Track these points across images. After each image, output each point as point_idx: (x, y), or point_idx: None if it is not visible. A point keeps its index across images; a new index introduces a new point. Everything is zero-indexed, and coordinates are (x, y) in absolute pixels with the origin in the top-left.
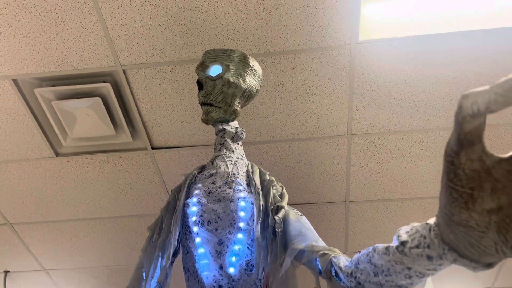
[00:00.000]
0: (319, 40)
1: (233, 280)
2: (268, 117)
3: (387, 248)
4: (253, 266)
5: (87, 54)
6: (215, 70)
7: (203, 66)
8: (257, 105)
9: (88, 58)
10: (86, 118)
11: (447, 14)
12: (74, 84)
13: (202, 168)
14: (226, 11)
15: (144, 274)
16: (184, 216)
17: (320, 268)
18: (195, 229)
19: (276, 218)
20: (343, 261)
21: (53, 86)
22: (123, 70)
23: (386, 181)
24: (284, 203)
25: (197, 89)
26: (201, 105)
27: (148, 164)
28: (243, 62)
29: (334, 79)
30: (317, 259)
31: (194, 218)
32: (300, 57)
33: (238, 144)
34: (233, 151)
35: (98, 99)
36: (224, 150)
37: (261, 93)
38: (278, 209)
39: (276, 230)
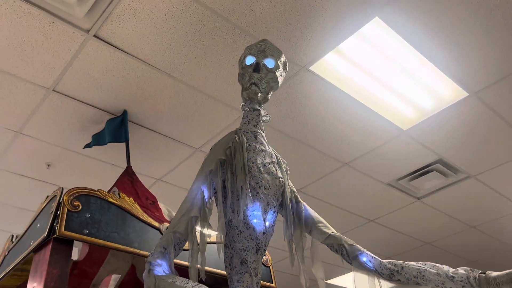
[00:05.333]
0: (285, 48)
1: (266, 230)
2: None
3: (438, 274)
4: (275, 224)
5: None
6: (271, 62)
7: (264, 54)
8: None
9: None
10: None
11: (364, 88)
12: None
13: (243, 135)
14: None
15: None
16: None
17: (348, 252)
18: (256, 188)
19: (300, 201)
20: (374, 256)
21: None
22: None
23: None
24: (295, 189)
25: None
26: (250, 83)
27: (73, 44)
28: (285, 66)
29: None
30: (345, 246)
31: (256, 181)
32: None
33: None
34: (263, 132)
35: None
36: (260, 129)
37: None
38: (294, 193)
39: (301, 210)
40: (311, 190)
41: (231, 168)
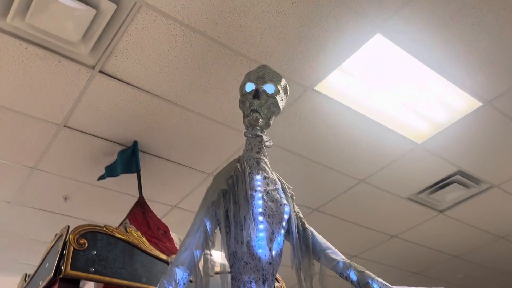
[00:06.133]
0: (289, 70)
1: (273, 260)
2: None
3: None
4: (282, 253)
5: None
6: (270, 88)
7: (264, 79)
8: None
9: None
10: (59, 15)
11: (373, 105)
12: None
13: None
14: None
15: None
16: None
17: (356, 279)
18: (260, 218)
19: (307, 227)
20: (385, 283)
21: None
22: (140, 5)
23: None
24: (301, 215)
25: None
26: (251, 110)
27: (80, 81)
28: (285, 91)
29: None
30: (353, 272)
31: (260, 210)
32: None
33: None
34: (267, 158)
35: (93, 11)
36: (262, 156)
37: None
38: (301, 219)
39: (308, 237)
40: (329, 208)
41: (233, 197)
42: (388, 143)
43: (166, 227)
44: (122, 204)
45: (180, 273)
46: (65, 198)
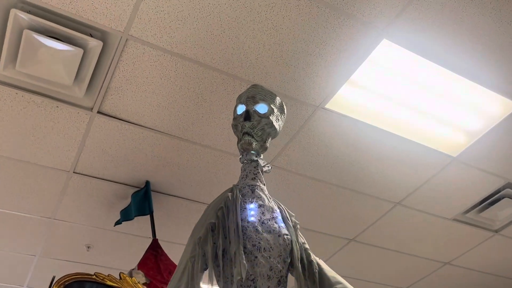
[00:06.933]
0: (293, 90)
1: None
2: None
3: None
4: None
5: (103, 6)
6: (263, 108)
7: (254, 100)
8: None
9: (101, 11)
10: (48, 60)
11: (397, 119)
12: (62, 24)
13: (238, 191)
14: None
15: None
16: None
17: None
18: (254, 251)
19: (313, 259)
20: None
21: (30, 12)
22: (126, 39)
23: None
24: (307, 245)
25: (232, 110)
26: (243, 134)
27: (81, 124)
28: (281, 109)
29: (288, 122)
30: None
31: (254, 243)
32: None
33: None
34: (264, 184)
35: (80, 51)
36: (259, 182)
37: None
38: (306, 250)
39: (315, 271)
40: (367, 237)
41: (223, 231)
42: (419, 159)
43: None
44: (145, 248)
45: None
46: (88, 247)
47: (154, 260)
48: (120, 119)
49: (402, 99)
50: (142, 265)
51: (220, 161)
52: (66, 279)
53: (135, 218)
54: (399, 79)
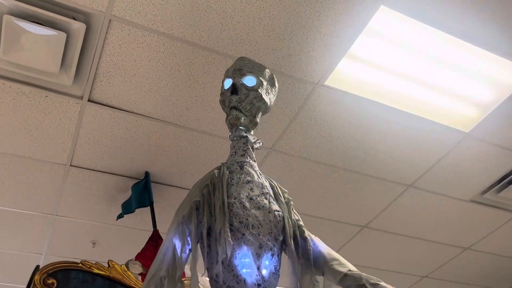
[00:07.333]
0: (289, 67)
1: (264, 281)
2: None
3: None
4: (278, 271)
5: None
6: (250, 81)
7: (240, 72)
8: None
9: None
10: (32, 46)
11: (403, 94)
12: (43, 8)
13: (227, 169)
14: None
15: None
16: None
17: None
18: (241, 229)
19: (308, 236)
20: None
21: None
22: (110, 20)
23: None
24: (301, 222)
25: (219, 85)
26: (230, 108)
27: (73, 114)
28: (272, 82)
29: (287, 103)
30: (366, 286)
31: (241, 219)
32: None
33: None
34: (254, 161)
35: (63, 35)
36: (248, 158)
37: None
38: (300, 227)
39: (309, 248)
40: (380, 223)
41: (209, 209)
42: (429, 137)
43: None
44: None
45: None
46: (93, 243)
47: (154, 251)
48: (112, 107)
49: (406, 72)
50: (140, 256)
51: (219, 147)
52: (50, 267)
53: (138, 212)
54: (400, 50)
